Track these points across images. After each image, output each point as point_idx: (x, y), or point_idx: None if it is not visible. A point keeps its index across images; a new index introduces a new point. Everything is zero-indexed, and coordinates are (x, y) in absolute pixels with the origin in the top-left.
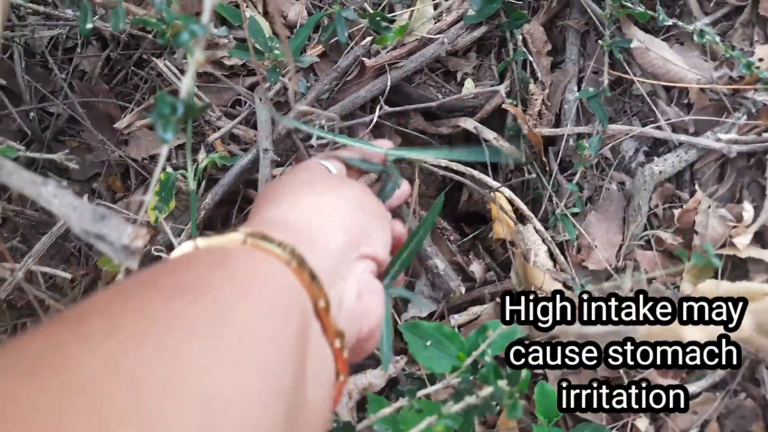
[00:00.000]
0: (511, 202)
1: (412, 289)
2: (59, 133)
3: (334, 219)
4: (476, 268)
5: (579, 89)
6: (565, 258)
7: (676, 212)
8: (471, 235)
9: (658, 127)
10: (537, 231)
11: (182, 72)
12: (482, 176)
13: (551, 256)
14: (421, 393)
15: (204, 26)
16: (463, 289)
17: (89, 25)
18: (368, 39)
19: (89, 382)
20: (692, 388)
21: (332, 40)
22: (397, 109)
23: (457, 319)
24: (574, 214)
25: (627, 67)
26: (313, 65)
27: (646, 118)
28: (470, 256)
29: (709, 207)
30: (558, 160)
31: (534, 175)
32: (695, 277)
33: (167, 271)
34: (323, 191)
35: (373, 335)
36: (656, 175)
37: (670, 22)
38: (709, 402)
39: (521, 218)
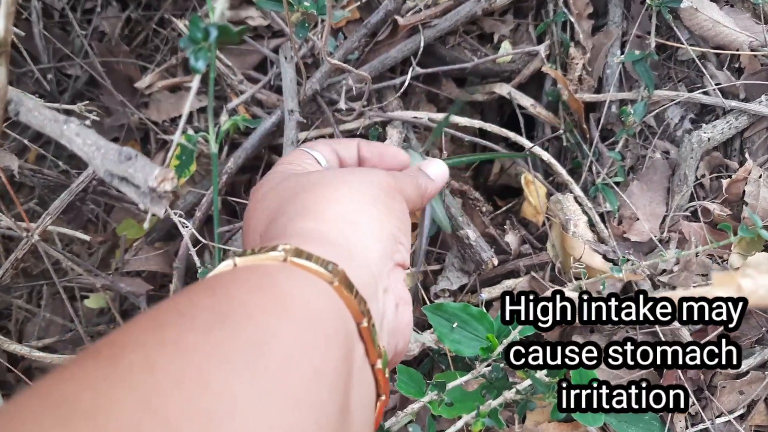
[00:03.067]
0: (548, 169)
1: (442, 263)
2: (77, 96)
3: (366, 227)
4: (511, 239)
5: (622, 53)
6: (606, 229)
7: (725, 182)
8: (504, 208)
9: (706, 93)
10: (577, 199)
11: None
12: (517, 137)
13: (591, 226)
14: (451, 385)
15: None
16: (495, 261)
17: None
18: None
19: (126, 428)
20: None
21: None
22: (430, 70)
23: (490, 292)
24: (616, 184)
25: (676, 30)
26: (340, 27)
27: (692, 84)
28: (505, 228)
29: (760, 177)
30: (599, 128)
31: (573, 143)
32: (744, 251)
33: (206, 296)
34: (346, 194)
35: (406, 348)
36: (704, 142)
37: None
38: (757, 381)
39: (558, 187)
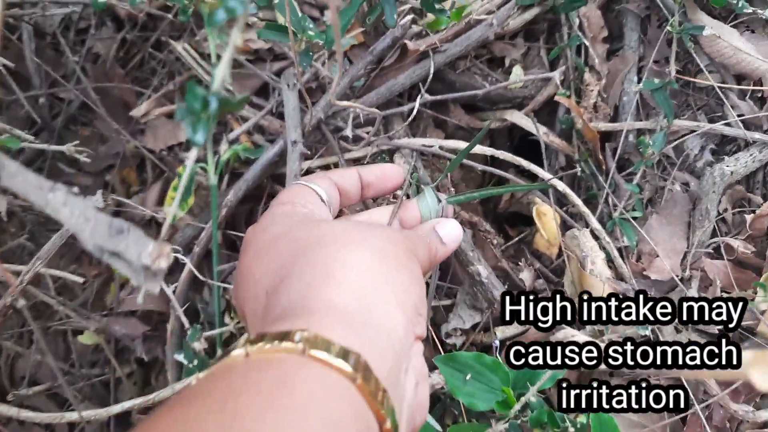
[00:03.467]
0: (562, 198)
1: (453, 298)
2: (71, 121)
3: (391, 298)
4: (526, 276)
5: (639, 80)
6: (625, 266)
7: (748, 217)
8: (516, 239)
9: (728, 124)
10: (594, 233)
11: (203, 56)
12: (531, 166)
13: (609, 262)
14: None
15: (244, 2)
16: None
17: None
18: (407, 18)
19: None
20: None
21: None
22: (440, 97)
23: (503, 331)
24: (634, 218)
25: (695, 57)
26: (345, 50)
27: (712, 113)
28: (520, 263)
29: None
30: (616, 158)
31: (588, 173)
32: None
33: (218, 400)
34: (368, 256)
35: (424, 421)
36: (727, 176)
37: (750, 10)
38: None
39: (573, 217)
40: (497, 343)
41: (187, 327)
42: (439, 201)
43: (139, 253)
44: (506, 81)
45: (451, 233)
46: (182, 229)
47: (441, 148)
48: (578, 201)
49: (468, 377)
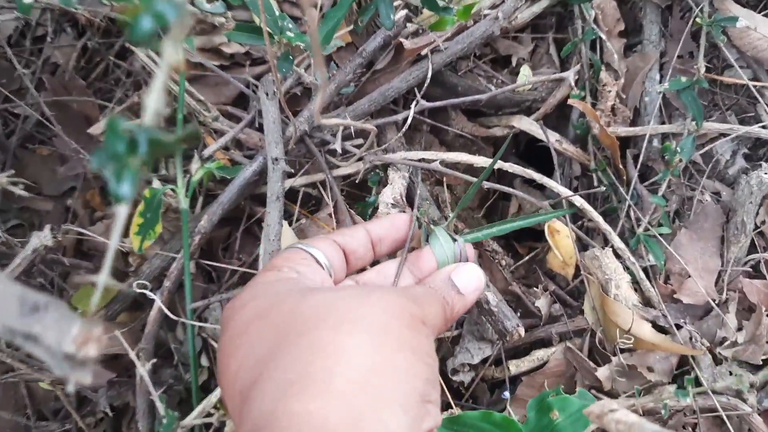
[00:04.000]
0: (579, 212)
1: (459, 327)
2: (27, 140)
3: (387, 396)
4: (542, 303)
5: (660, 78)
6: (653, 289)
7: None
8: (526, 257)
9: (765, 126)
10: (616, 252)
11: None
12: (544, 179)
13: (634, 284)
14: None
15: (179, 4)
16: (522, 331)
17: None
18: (401, 14)
19: None
20: None
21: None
22: (439, 104)
23: (518, 365)
24: (661, 235)
25: (723, 50)
26: (330, 53)
27: (743, 113)
28: (534, 288)
29: None
30: (638, 167)
31: (607, 184)
32: None
33: None
34: (360, 341)
35: None
36: (765, 184)
37: None
38: None
39: (588, 233)
40: (507, 395)
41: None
42: (455, 240)
43: (60, 337)
44: (513, 83)
45: (470, 281)
46: (150, 259)
47: (442, 163)
48: (598, 218)
49: None
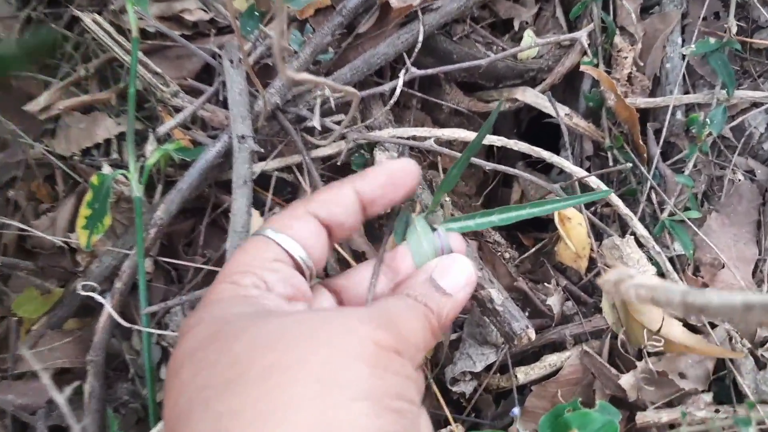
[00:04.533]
0: (595, 207)
1: (459, 329)
2: None
3: None
4: (553, 301)
5: (682, 42)
6: (682, 281)
7: None
8: (532, 249)
9: None
10: (639, 241)
11: (120, 30)
12: (553, 158)
13: (659, 276)
14: None
15: None
16: (532, 333)
17: None
18: None
19: None
20: None
21: None
22: (431, 71)
23: (526, 373)
24: (689, 220)
25: (760, 10)
26: (306, 18)
27: None
28: (544, 284)
29: None
30: (660, 142)
31: (625, 164)
32: None
33: None
34: (310, 393)
35: None
36: None
37: None
38: None
39: (603, 219)
40: (516, 412)
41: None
42: (433, 230)
43: None
44: (519, 48)
45: (457, 277)
46: (100, 256)
47: (437, 141)
48: (618, 201)
49: None
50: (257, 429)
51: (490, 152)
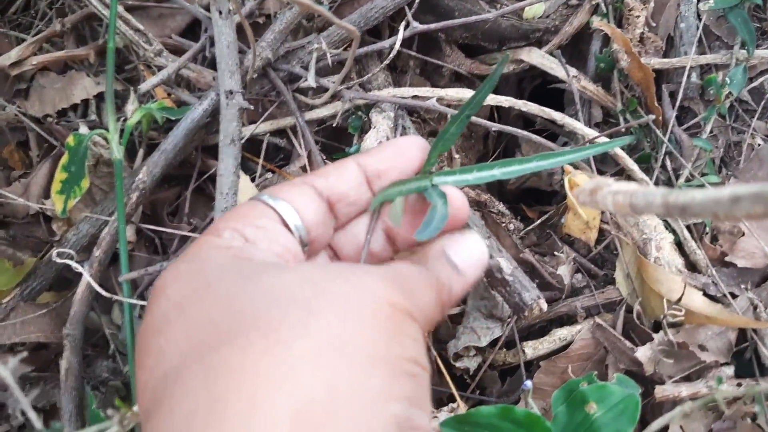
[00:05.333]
0: (601, 167)
1: (462, 303)
2: None
3: (360, 426)
4: (563, 270)
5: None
6: (700, 250)
7: None
8: (537, 221)
9: None
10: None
11: None
12: (566, 119)
13: (679, 247)
14: None
15: None
16: (544, 304)
17: None
18: None
19: None
20: None
21: None
22: (433, 26)
23: (535, 347)
24: (702, 186)
25: None
26: None
27: None
28: (557, 254)
29: None
30: (676, 106)
31: (637, 128)
32: None
33: None
34: (313, 354)
35: None
36: None
37: None
38: None
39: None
40: (528, 385)
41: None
42: (429, 187)
43: None
44: (521, 11)
45: (471, 255)
46: (77, 224)
47: (440, 101)
48: (633, 165)
49: None
50: (260, 386)
51: (491, 119)
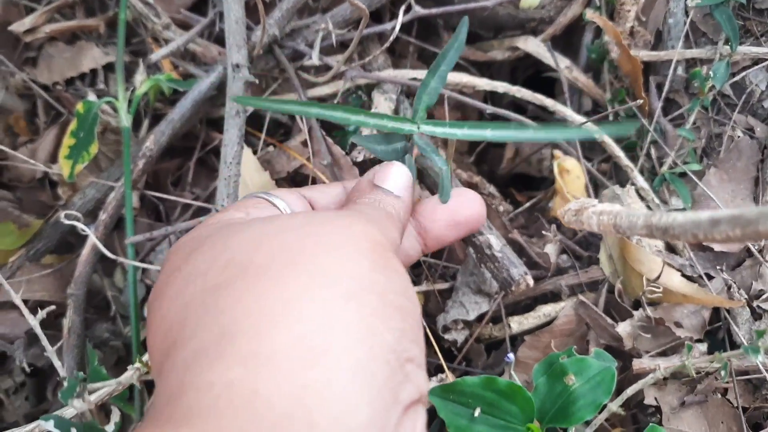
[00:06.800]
0: (589, 154)
1: (451, 280)
2: None
3: (343, 363)
4: (551, 249)
5: None
6: None
7: None
8: (526, 204)
9: None
10: (639, 193)
11: None
12: (557, 106)
13: None
14: None
15: None
16: (530, 279)
17: None
18: None
19: None
20: None
21: None
22: (435, 11)
23: (520, 322)
24: (684, 174)
25: None
26: None
27: None
28: (545, 233)
29: None
30: (662, 96)
31: (624, 117)
32: None
33: None
34: (304, 287)
35: None
36: None
37: None
38: None
39: (597, 181)
40: (511, 357)
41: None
42: (415, 131)
43: None
44: (518, 1)
45: (397, 179)
46: (83, 189)
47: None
48: (619, 152)
49: (477, 413)
50: (261, 323)
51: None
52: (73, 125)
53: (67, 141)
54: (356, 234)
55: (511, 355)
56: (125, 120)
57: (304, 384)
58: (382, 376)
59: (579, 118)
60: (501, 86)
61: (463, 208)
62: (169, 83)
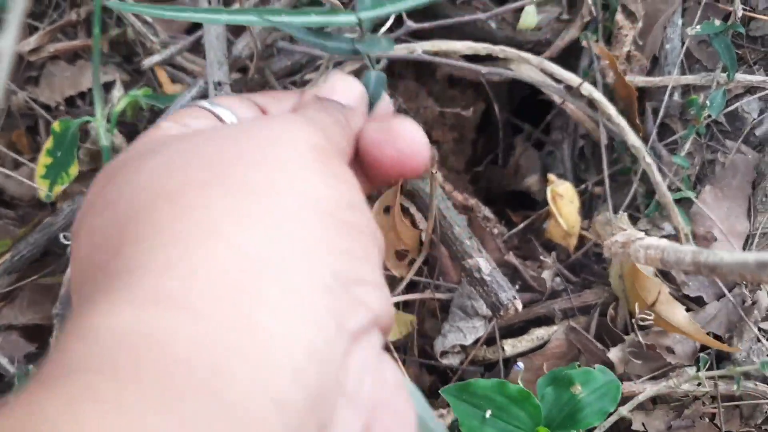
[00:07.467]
0: (581, 174)
1: (447, 303)
2: None
3: (275, 294)
4: (547, 275)
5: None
6: None
7: None
8: (520, 226)
9: None
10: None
11: None
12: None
13: None
14: None
15: None
16: (519, 304)
17: None
18: None
19: None
20: None
21: None
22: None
23: (514, 345)
24: (680, 200)
25: None
26: None
27: None
28: (542, 258)
29: None
30: (657, 122)
31: (619, 142)
32: None
33: None
34: (242, 202)
35: None
36: None
37: None
38: None
39: (594, 199)
40: (520, 366)
41: None
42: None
43: None
44: (515, 21)
45: (345, 88)
46: (73, 197)
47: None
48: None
49: (488, 414)
50: (170, 247)
51: (484, 124)
52: (48, 143)
53: (43, 160)
54: (297, 140)
55: (520, 364)
56: (104, 139)
57: (230, 326)
58: (322, 304)
59: (575, 78)
60: (482, 48)
61: (403, 129)
62: (147, 99)
